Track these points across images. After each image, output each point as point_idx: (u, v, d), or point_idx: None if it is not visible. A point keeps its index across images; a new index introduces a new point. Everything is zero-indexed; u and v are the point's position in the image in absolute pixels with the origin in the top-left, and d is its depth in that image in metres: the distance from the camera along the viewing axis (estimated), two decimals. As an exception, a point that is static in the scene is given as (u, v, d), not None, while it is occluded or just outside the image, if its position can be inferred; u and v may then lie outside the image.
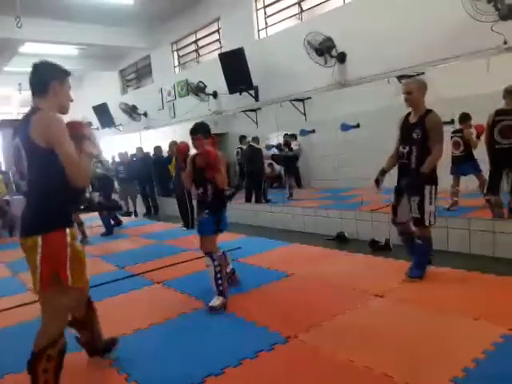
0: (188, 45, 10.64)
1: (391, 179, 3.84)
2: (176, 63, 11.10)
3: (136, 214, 10.17)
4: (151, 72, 11.98)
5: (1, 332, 3.37)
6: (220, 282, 3.45)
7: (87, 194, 7.22)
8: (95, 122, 12.70)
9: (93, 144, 2.23)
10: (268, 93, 7.97)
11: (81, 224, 6.69)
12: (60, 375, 2.19)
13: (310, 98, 7.55)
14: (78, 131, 2.20)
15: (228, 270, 3.88)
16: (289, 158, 8.49)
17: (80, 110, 10.54)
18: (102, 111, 12.57)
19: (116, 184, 9.16)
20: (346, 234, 5.59)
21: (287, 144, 8.49)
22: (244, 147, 8.70)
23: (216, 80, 8.58)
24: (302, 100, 7.72)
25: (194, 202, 5.54)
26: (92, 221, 8.15)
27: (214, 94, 9.18)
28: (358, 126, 6.92)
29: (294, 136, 8.59)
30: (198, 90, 9.30)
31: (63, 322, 2.24)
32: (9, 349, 3.01)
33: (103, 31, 10.13)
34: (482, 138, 4.89)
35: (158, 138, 10.38)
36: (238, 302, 3.55)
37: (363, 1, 6.43)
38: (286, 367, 2.49)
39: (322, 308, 3.29)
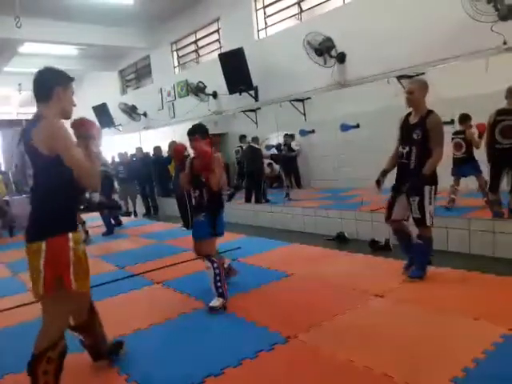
0: (188, 45, 10.63)
1: (391, 179, 3.84)
2: (176, 63, 11.09)
3: (136, 214, 10.16)
4: (151, 72, 11.97)
5: (1, 332, 3.38)
6: (219, 284, 3.46)
7: (87, 194, 7.21)
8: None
9: (96, 144, 2.24)
10: (268, 93, 7.97)
11: (83, 223, 6.74)
12: (60, 377, 2.19)
13: (309, 98, 7.55)
14: (87, 131, 2.20)
15: (225, 266, 3.92)
16: (287, 159, 8.49)
17: (80, 110, 10.49)
18: (101, 111, 12.56)
19: (116, 184, 9.16)
20: (346, 234, 5.58)
21: (286, 144, 8.49)
22: (244, 146, 8.70)
23: (216, 80, 8.58)
24: (301, 100, 7.72)
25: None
26: (92, 221, 8.15)
27: (214, 94, 9.17)
28: (357, 126, 6.92)
29: (291, 136, 8.58)
30: (198, 90, 9.30)
31: (64, 324, 2.24)
32: (9, 349, 3.01)
33: (103, 31, 10.12)
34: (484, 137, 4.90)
35: (157, 138, 10.37)
36: (238, 302, 3.55)
37: (363, 1, 6.44)
38: (286, 367, 2.49)
39: (322, 308, 3.29)
